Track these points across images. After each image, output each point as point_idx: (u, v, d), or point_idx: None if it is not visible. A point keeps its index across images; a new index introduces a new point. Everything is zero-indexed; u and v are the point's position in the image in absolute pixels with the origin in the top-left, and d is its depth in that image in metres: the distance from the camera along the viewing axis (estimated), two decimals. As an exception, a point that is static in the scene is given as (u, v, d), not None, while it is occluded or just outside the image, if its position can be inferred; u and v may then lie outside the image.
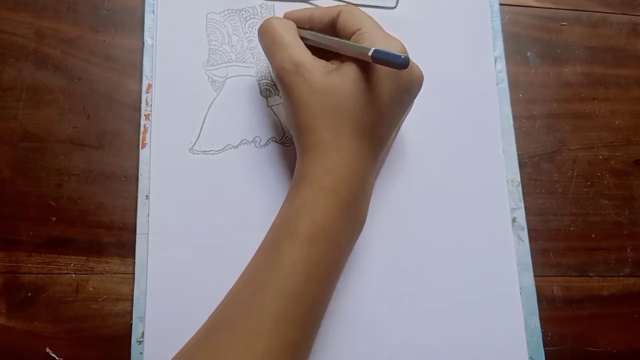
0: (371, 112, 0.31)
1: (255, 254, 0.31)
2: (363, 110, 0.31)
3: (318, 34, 0.34)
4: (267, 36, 0.34)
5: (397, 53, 0.27)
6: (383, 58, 0.28)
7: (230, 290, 0.30)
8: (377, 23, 0.33)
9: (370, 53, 0.28)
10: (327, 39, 0.32)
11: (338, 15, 0.33)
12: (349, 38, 0.33)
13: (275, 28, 0.33)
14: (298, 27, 0.34)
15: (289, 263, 0.28)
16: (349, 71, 0.31)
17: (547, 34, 0.44)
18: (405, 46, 0.32)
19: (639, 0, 0.46)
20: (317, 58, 0.32)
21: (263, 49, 0.34)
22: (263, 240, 0.31)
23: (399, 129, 0.35)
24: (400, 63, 0.27)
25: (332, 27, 0.34)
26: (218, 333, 0.28)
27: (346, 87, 0.30)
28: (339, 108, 0.30)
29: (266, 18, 0.34)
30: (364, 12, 0.33)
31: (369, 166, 0.32)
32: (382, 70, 0.30)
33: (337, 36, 0.34)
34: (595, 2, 0.45)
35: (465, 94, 0.40)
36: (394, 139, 0.35)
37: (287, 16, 0.36)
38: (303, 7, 0.41)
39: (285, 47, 0.32)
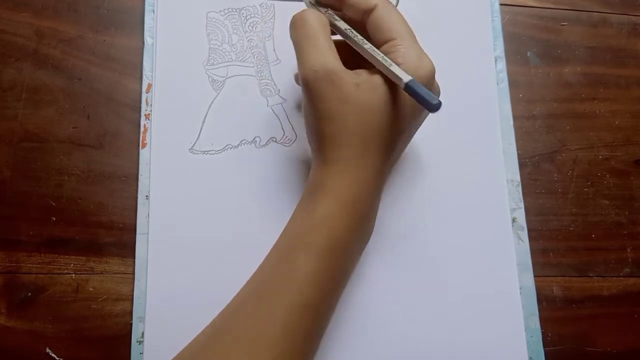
0: (394, 129, 0.30)
1: (266, 261, 0.31)
2: (387, 127, 0.30)
3: (356, 34, 0.31)
4: (300, 31, 0.31)
5: (433, 95, 0.26)
6: (417, 93, 0.27)
7: (237, 296, 0.30)
8: (413, 33, 0.31)
9: (405, 81, 0.27)
10: (362, 45, 0.31)
11: (373, 9, 0.31)
12: (380, 43, 0.31)
13: (312, 24, 0.31)
14: (330, 6, 0.33)
15: (302, 274, 0.28)
16: (379, 85, 0.29)
17: (547, 34, 0.44)
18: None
19: (639, 1, 0.46)
20: (344, 68, 0.30)
21: (293, 42, 0.32)
22: (274, 248, 0.31)
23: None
24: (434, 106, 0.26)
25: (363, 18, 0.32)
26: (224, 339, 0.28)
27: (375, 102, 0.29)
28: (368, 123, 0.30)
29: (303, 10, 0.32)
30: (401, 15, 0.32)
31: (383, 181, 0.32)
32: None
33: (369, 32, 0.32)
34: (595, 2, 0.45)
35: (465, 94, 0.40)
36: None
37: None
38: (303, 8, 0.41)
39: (319, 48, 0.30)
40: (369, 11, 0.31)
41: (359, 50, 0.31)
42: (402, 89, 0.28)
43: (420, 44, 0.40)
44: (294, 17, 0.32)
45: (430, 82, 0.31)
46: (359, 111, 0.29)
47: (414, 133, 0.33)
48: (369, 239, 0.33)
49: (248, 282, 0.30)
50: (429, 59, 0.31)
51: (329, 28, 0.32)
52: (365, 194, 0.30)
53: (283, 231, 0.31)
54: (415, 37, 0.31)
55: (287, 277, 0.28)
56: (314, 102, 0.30)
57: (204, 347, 0.28)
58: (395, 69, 0.29)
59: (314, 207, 0.30)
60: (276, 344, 0.27)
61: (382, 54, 0.30)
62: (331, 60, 0.30)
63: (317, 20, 0.31)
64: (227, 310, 0.30)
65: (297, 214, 0.31)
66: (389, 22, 0.31)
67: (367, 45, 0.31)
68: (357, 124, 0.29)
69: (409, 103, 0.30)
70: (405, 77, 0.27)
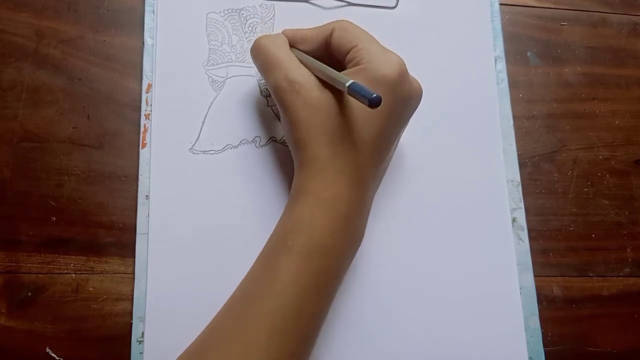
0: (370, 126, 0.30)
1: (252, 266, 0.31)
2: (362, 125, 0.30)
3: (306, 56, 0.33)
4: (259, 57, 0.33)
5: (370, 90, 0.26)
6: (357, 92, 0.27)
7: (227, 301, 0.30)
8: (373, 37, 0.32)
9: (347, 84, 0.27)
10: (312, 63, 0.32)
11: (331, 33, 0.33)
12: (344, 55, 0.32)
13: (267, 47, 0.33)
14: (293, 47, 0.34)
15: (285, 277, 0.28)
16: None
17: (547, 34, 0.44)
18: (404, 60, 0.31)
19: (639, 1, 0.46)
20: (308, 73, 0.31)
21: (257, 69, 0.34)
22: (260, 253, 0.31)
23: (398, 141, 0.35)
24: (370, 100, 0.26)
25: (326, 46, 0.34)
26: (214, 344, 0.28)
27: (344, 102, 0.30)
28: (337, 122, 0.30)
29: (256, 37, 0.34)
30: (358, 27, 0.33)
31: (369, 180, 0.32)
32: (380, 85, 0.30)
33: (333, 55, 0.33)
34: (595, 2, 0.45)
35: (465, 94, 0.40)
36: (394, 151, 0.35)
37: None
38: (303, 8, 0.41)
39: (279, 66, 0.32)
40: (329, 36, 0.33)
41: (314, 72, 0.32)
42: (347, 93, 0.28)
43: (420, 44, 0.40)
44: (251, 47, 0.34)
45: (400, 76, 0.31)
46: (327, 112, 0.30)
47: (400, 130, 0.33)
48: (358, 242, 0.32)
49: (237, 287, 0.30)
50: (396, 55, 0.31)
51: (286, 46, 0.33)
52: (346, 192, 0.30)
53: (269, 236, 0.31)
54: (377, 41, 0.32)
55: (270, 280, 0.28)
56: (283, 112, 0.31)
57: (195, 353, 0.28)
58: (334, 74, 0.29)
59: (294, 209, 0.30)
60: (264, 346, 0.26)
61: (322, 64, 0.31)
62: (292, 72, 0.31)
63: (272, 42, 0.33)
64: (217, 316, 0.30)
65: (280, 218, 0.32)
66: (348, 34, 0.32)
67: (316, 63, 0.31)
68: (325, 124, 0.30)
69: (383, 99, 0.30)
70: (346, 81, 0.28)
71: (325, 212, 0.30)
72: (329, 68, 0.31)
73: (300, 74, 0.31)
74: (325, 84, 0.31)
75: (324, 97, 0.30)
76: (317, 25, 0.35)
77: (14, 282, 0.34)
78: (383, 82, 0.30)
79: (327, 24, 0.34)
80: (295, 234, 0.29)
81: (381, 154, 0.32)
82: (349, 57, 0.32)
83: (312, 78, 0.31)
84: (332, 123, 0.30)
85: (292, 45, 0.34)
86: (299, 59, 0.33)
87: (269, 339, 0.27)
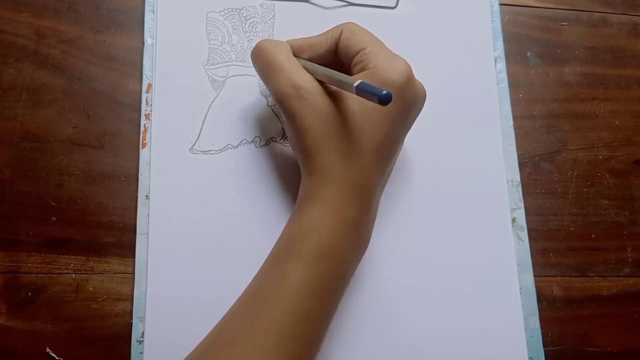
0: (376, 131, 0.30)
1: (260, 270, 0.31)
2: (368, 129, 0.30)
3: (310, 62, 0.33)
4: (260, 60, 0.33)
5: (379, 87, 0.26)
6: (366, 91, 0.27)
7: (233, 305, 0.30)
8: (380, 41, 0.32)
9: (355, 84, 0.27)
10: (317, 69, 0.31)
11: (340, 35, 0.33)
12: (352, 58, 0.32)
13: (269, 51, 0.32)
14: (296, 55, 0.34)
15: (293, 281, 0.28)
16: None
17: (547, 34, 0.44)
18: (410, 64, 0.31)
19: (639, 1, 0.46)
20: (312, 79, 0.31)
21: (258, 73, 0.34)
22: (268, 257, 0.31)
23: (402, 144, 0.35)
24: (380, 97, 0.26)
25: (336, 48, 0.33)
26: (221, 347, 0.28)
27: (350, 107, 0.30)
28: (344, 128, 0.30)
29: (258, 41, 0.34)
30: (366, 30, 0.33)
31: (376, 184, 0.31)
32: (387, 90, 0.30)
33: (339, 58, 0.33)
34: (595, 2, 0.45)
35: (465, 94, 0.41)
36: (398, 154, 0.35)
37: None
38: (303, 8, 0.41)
39: (282, 70, 0.31)
40: (337, 39, 0.33)
41: (318, 77, 0.31)
42: (355, 93, 0.27)
43: (420, 44, 0.40)
44: (252, 50, 0.34)
45: (407, 81, 0.31)
46: (334, 118, 0.30)
47: (405, 133, 0.33)
48: (365, 246, 0.32)
49: (244, 291, 0.30)
50: (403, 59, 0.31)
51: (289, 51, 0.33)
52: (354, 198, 0.30)
53: (276, 241, 0.31)
54: (385, 45, 0.32)
55: (277, 285, 0.28)
56: (289, 119, 0.31)
57: (202, 356, 0.28)
58: (341, 76, 0.29)
59: (302, 215, 0.30)
60: (272, 350, 0.27)
61: (328, 68, 0.31)
62: (296, 76, 0.31)
63: (274, 45, 0.33)
64: (223, 320, 0.30)
65: (287, 224, 0.32)
66: (357, 37, 0.32)
67: (320, 68, 0.31)
68: (333, 130, 0.30)
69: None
70: (354, 82, 0.27)
71: (334, 218, 0.30)
72: (336, 72, 0.30)
73: (304, 80, 0.31)
74: (329, 90, 0.31)
75: (329, 104, 0.30)
76: (316, 25, 0.35)
77: (14, 282, 0.34)
78: (390, 86, 0.30)
79: (334, 27, 0.34)
80: (304, 239, 0.29)
81: (387, 158, 0.32)
82: (355, 59, 0.32)
83: (316, 84, 0.31)
84: (339, 129, 0.30)
85: (298, 55, 0.34)
86: (304, 67, 0.32)
87: (277, 343, 0.27)
